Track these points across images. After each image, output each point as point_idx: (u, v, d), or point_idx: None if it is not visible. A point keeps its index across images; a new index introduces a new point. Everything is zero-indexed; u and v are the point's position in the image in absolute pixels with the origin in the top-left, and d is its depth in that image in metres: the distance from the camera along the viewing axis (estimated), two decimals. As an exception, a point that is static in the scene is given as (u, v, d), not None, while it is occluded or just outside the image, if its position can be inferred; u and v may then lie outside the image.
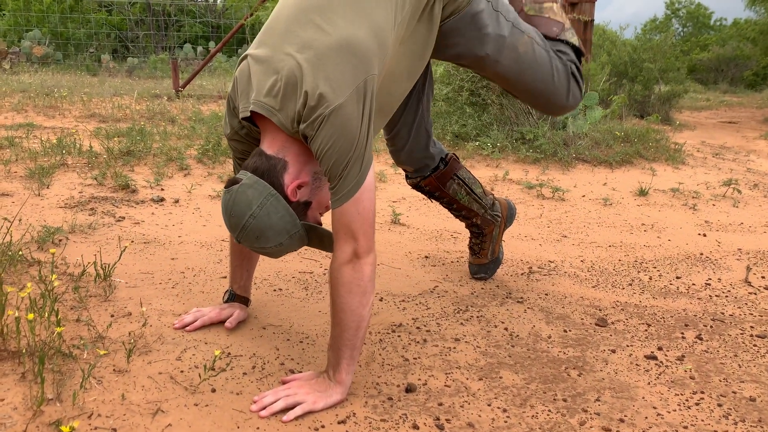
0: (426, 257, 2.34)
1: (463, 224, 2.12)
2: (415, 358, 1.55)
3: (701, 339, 1.75)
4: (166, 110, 5.66)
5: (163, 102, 6.37)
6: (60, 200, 2.68)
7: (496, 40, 1.54)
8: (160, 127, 4.59)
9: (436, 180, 1.92)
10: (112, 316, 1.62)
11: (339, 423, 1.25)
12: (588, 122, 4.79)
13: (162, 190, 3.01)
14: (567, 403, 1.38)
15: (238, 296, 1.68)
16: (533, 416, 1.32)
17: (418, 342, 1.64)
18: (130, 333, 1.53)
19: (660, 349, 1.67)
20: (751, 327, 1.84)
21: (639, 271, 2.32)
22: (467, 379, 1.46)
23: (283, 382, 1.36)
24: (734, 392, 1.46)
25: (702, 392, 1.45)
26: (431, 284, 2.07)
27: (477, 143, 4.41)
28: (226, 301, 1.68)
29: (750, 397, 1.44)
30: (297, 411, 1.26)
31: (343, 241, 1.29)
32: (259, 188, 1.27)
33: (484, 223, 2.04)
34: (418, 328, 1.73)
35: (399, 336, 1.67)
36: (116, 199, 2.78)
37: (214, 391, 1.32)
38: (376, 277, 2.06)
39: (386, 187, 3.38)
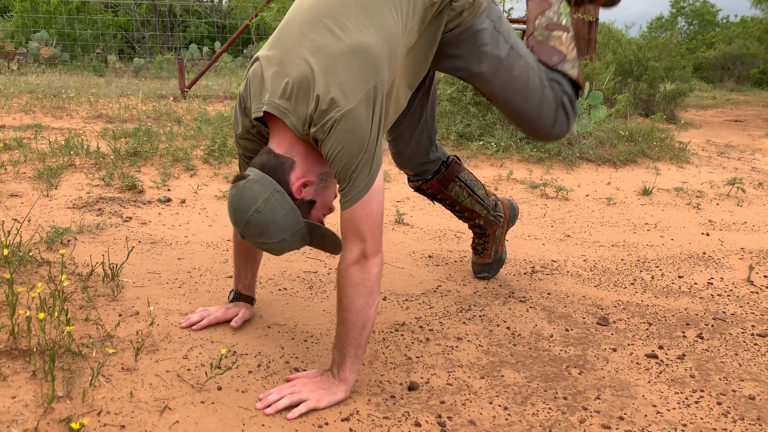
0: (429, 257, 2.36)
1: (466, 225, 2.14)
2: (417, 357, 1.57)
3: (702, 338, 1.76)
4: (172, 111, 5.69)
5: (169, 102, 6.41)
6: (68, 201, 2.71)
7: (493, 59, 1.56)
8: (167, 128, 4.63)
9: (438, 183, 1.94)
10: (120, 315, 1.65)
11: (342, 420, 1.28)
12: (592, 121, 4.79)
13: (168, 190, 3.05)
14: (567, 401, 1.39)
15: (243, 296, 1.70)
16: (534, 414, 1.34)
17: (420, 341, 1.66)
18: (137, 332, 1.56)
19: (661, 347, 1.69)
20: (753, 326, 1.86)
21: (641, 271, 2.33)
22: (469, 377, 1.48)
23: (288, 380, 1.39)
24: (734, 391, 1.47)
25: (702, 390, 1.47)
26: (434, 283, 2.09)
27: (481, 143, 4.43)
28: (231, 301, 1.71)
29: (749, 395, 1.45)
30: (301, 408, 1.28)
31: (351, 242, 1.31)
32: (265, 184, 1.29)
33: (487, 223, 2.06)
34: (421, 327, 1.75)
35: (402, 335, 1.69)
36: (123, 199, 2.81)
37: (220, 388, 1.35)
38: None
39: (390, 187, 3.41)
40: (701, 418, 1.35)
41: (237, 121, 1.47)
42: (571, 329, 1.79)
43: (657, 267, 2.38)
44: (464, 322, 1.79)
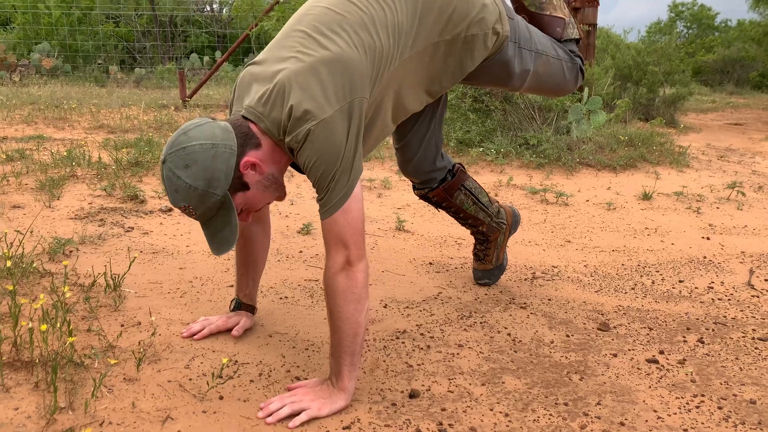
0: (430, 263, 2.36)
1: (468, 231, 2.15)
2: (418, 365, 1.57)
3: (703, 342, 1.76)
4: (173, 120, 5.72)
5: (171, 112, 6.44)
6: (70, 212, 2.73)
7: (520, 74, 1.67)
8: (168, 138, 4.65)
9: (444, 191, 1.95)
10: (122, 325, 1.66)
11: (344, 429, 1.28)
12: (592, 127, 4.80)
13: (170, 200, 3.06)
14: (568, 407, 1.40)
15: (244, 304, 1.71)
16: (534, 420, 1.34)
17: (421, 348, 1.66)
18: (139, 342, 1.57)
19: (661, 352, 1.69)
20: (753, 330, 1.86)
21: (642, 275, 2.34)
22: (470, 384, 1.49)
23: (289, 389, 1.39)
24: (735, 395, 1.47)
25: (702, 395, 1.47)
26: (435, 290, 2.09)
27: (481, 149, 4.44)
28: (232, 310, 1.71)
29: (750, 399, 1.45)
30: (302, 417, 1.29)
31: (334, 251, 1.32)
32: (227, 135, 1.28)
33: (490, 230, 2.07)
34: (422, 334, 1.75)
35: (403, 342, 1.69)
36: (125, 209, 2.82)
37: (221, 398, 1.36)
38: (381, 284, 2.09)
39: (391, 194, 3.42)
40: (702, 423, 1.35)
41: None
42: (572, 335, 1.79)
43: (657, 272, 2.39)
44: (465, 329, 1.80)
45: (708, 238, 2.87)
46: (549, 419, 1.35)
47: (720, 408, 1.41)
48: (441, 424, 1.31)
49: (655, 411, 1.39)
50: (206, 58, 15.14)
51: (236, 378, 1.44)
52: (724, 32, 30.41)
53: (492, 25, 1.53)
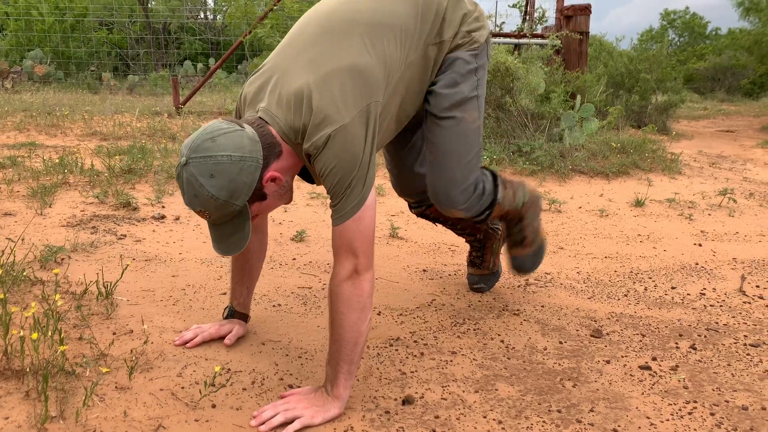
0: (424, 270, 2.36)
1: (461, 239, 2.15)
2: (412, 372, 1.57)
3: (695, 349, 1.77)
4: (166, 127, 5.71)
5: (164, 119, 6.43)
6: (62, 219, 2.71)
7: (467, 90, 1.61)
8: (161, 145, 4.64)
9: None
10: (114, 333, 1.65)
11: (337, 436, 1.28)
12: (584, 134, 4.83)
13: (163, 207, 3.05)
14: (561, 414, 1.40)
15: (237, 312, 1.71)
16: (528, 427, 1.34)
17: (415, 355, 1.66)
18: (131, 350, 1.56)
19: (654, 359, 1.70)
20: (745, 336, 1.87)
21: (634, 282, 2.35)
22: (463, 391, 1.49)
23: (282, 397, 1.39)
24: (727, 401, 1.48)
25: (695, 401, 1.47)
26: (429, 297, 2.09)
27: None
28: (225, 318, 1.71)
29: (742, 405, 1.46)
30: (296, 425, 1.28)
31: (344, 258, 1.32)
32: (255, 148, 1.27)
33: (486, 237, 2.07)
34: (415, 341, 1.75)
35: (396, 350, 1.69)
36: (117, 217, 2.81)
37: (214, 406, 1.35)
38: (375, 292, 2.09)
39: (385, 201, 3.42)
40: (695, 430, 1.35)
41: None
42: (565, 342, 1.79)
43: (650, 278, 2.40)
44: (459, 336, 1.80)
45: (700, 245, 2.88)
46: (542, 426, 1.35)
47: (712, 414, 1.42)
48: (434, 431, 1.31)
49: (647, 417, 1.40)
50: (200, 65, 15.14)
51: (229, 386, 1.43)
52: (715, 40, 30.71)
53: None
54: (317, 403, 1.33)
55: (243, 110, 1.43)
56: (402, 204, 3.31)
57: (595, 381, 1.56)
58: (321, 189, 3.42)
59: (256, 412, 1.32)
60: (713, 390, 1.53)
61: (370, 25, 1.39)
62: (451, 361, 1.64)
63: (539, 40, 6.04)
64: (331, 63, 1.32)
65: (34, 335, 1.34)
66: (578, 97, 5.08)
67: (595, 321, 1.96)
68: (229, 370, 1.52)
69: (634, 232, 3.06)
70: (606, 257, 2.65)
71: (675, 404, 1.46)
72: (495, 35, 5.93)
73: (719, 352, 1.75)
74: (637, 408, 1.43)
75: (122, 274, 2.00)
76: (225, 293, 2.01)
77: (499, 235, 2.10)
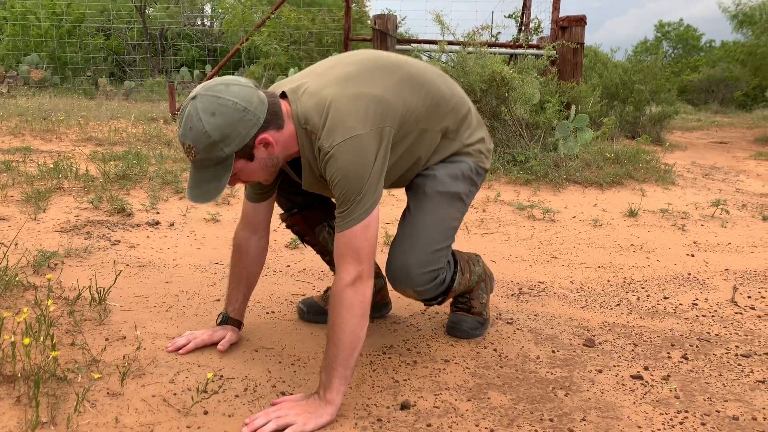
0: (417, 279, 2.37)
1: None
2: (405, 380, 1.57)
3: (687, 359, 1.78)
4: (162, 133, 5.71)
5: (160, 125, 6.43)
6: (56, 224, 2.71)
7: (450, 184, 1.62)
8: (157, 151, 4.64)
9: (304, 220, 1.81)
10: (107, 339, 1.64)
11: (329, 444, 1.28)
12: (579, 144, 4.86)
13: (157, 213, 3.05)
14: (553, 423, 1.40)
15: (231, 319, 1.70)
16: (520, 436, 1.34)
17: (408, 363, 1.66)
18: (124, 356, 1.55)
19: (646, 368, 1.70)
20: (736, 346, 1.88)
21: (627, 292, 2.36)
22: (456, 400, 1.49)
23: (274, 404, 1.39)
24: (718, 411, 1.48)
25: (686, 411, 1.48)
26: (422, 306, 2.09)
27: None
28: (219, 324, 1.71)
29: (733, 416, 1.46)
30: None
31: (348, 263, 1.34)
32: (261, 108, 1.32)
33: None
34: (408, 349, 1.75)
35: (389, 357, 1.69)
36: (112, 222, 2.81)
37: (206, 413, 1.35)
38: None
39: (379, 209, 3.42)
40: (686, 439, 1.36)
41: None
42: (558, 351, 1.80)
43: (643, 288, 2.41)
44: (451, 345, 1.80)
45: (692, 255, 2.90)
46: (534, 435, 1.35)
47: (703, 424, 1.42)
48: (426, 439, 1.31)
49: (639, 427, 1.40)
50: (196, 72, 15.15)
51: (221, 393, 1.43)
52: (709, 52, 30.96)
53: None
54: (309, 410, 1.33)
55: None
56: (395, 213, 3.32)
57: (587, 390, 1.57)
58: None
59: (248, 420, 1.32)
60: (704, 400, 1.54)
61: (412, 77, 1.49)
62: (444, 369, 1.65)
63: (535, 51, 6.09)
64: (363, 87, 1.39)
65: (26, 340, 1.34)
66: (573, 107, 5.11)
67: (587, 330, 1.96)
68: (221, 376, 1.51)
69: (628, 242, 3.07)
70: (599, 267, 2.66)
71: (666, 414, 1.46)
72: (491, 45, 5.96)
73: (711, 362, 1.76)
74: (628, 417, 1.44)
75: (115, 279, 2.00)
76: (219, 300, 2.01)
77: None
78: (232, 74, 15.01)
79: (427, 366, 1.65)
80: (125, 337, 1.67)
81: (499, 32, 7.29)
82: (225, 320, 1.70)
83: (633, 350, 1.82)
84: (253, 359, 1.62)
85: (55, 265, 2.18)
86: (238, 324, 1.72)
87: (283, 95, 1.43)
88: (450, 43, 5.45)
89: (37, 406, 1.22)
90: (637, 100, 8.42)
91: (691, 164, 6.01)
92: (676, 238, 3.21)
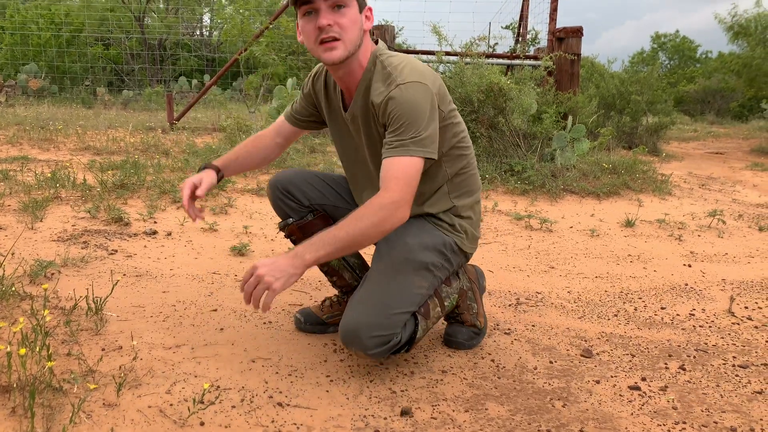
0: (415, 289, 2.36)
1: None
2: (402, 390, 1.57)
3: (684, 369, 1.78)
4: (160, 143, 5.72)
5: (158, 134, 6.44)
6: (53, 233, 2.70)
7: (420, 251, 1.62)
8: (154, 160, 4.64)
9: (300, 230, 1.81)
10: (103, 349, 1.64)
11: (326, 455, 1.27)
12: (576, 154, 4.87)
13: (155, 222, 3.04)
14: (551, 434, 1.40)
15: (211, 165, 1.71)
16: (518, 447, 1.34)
17: (405, 374, 1.66)
18: (120, 366, 1.55)
19: (644, 379, 1.70)
20: (734, 357, 1.88)
21: (624, 302, 2.36)
22: (453, 410, 1.48)
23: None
24: (715, 422, 1.48)
25: (684, 422, 1.47)
26: (420, 316, 2.09)
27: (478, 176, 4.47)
28: (198, 171, 1.71)
29: (731, 427, 1.46)
30: (267, 300, 1.36)
31: (395, 187, 1.43)
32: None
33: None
34: (406, 360, 1.75)
35: (387, 368, 1.69)
36: (109, 232, 2.80)
37: (202, 424, 1.34)
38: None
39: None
40: (683, 451, 1.35)
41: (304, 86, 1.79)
42: (555, 361, 1.80)
43: (640, 298, 2.41)
44: (449, 355, 1.80)
45: (689, 266, 2.90)
46: (532, 446, 1.34)
47: (701, 435, 1.42)
48: (424, 451, 1.31)
49: (637, 438, 1.40)
50: (195, 81, 15.19)
51: (218, 404, 1.42)
52: (705, 63, 31.15)
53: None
54: (278, 267, 1.38)
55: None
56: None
57: (585, 401, 1.56)
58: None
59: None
60: (702, 411, 1.53)
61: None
62: (442, 380, 1.64)
63: (532, 62, 6.12)
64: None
65: (22, 351, 1.33)
66: (570, 117, 5.13)
67: (585, 341, 1.96)
68: (218, 387, 1.51)
69: (625, 252, 3.08)
70: (596, 277, 2.67)
71: (664, 425, 1.46)
72: (488, 56, 6.00)
73: (708, 373, 1.76)
74: (626, 428, 1.43)
75: (112, 289, 1.99)
76: (216, 309, 2.00)
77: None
78: (231, 84, 15.04)
79: (424, 377, 1.65)
80: (121, 347, 1.66)
81: (497, 43, 7.33)
82: (204, 167, 1.71)
83: (630, 361, 1.82)
84: (250, 369, 1.62)
85: (52, 274, 2.18)
86: (216, 169, 1.71)
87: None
88: (447, 53, 5.48)
89: (32, 417, 1.21)
90: (634, 111, 8.47)
91: (687, 174, 6.03)
92: (673, 248, 3.22)
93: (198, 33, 20.28)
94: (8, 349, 1.38)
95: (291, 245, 2.68)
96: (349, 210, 1.77)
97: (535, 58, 6.22)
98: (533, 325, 2.07)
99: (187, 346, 1.72)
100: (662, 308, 2.30)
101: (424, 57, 5.87)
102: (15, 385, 1.34)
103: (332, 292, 2.19)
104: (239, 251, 2.66)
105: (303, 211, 1.81)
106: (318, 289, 2.28)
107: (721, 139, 11.93)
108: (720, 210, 3.99)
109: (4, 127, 6.29)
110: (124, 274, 2.26)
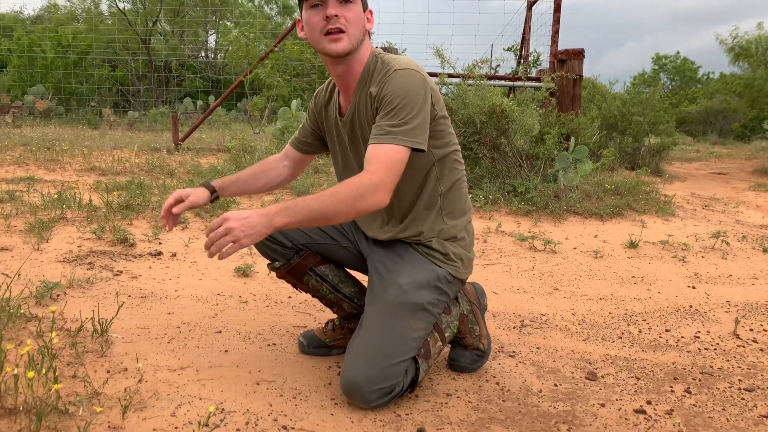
0: (419, 311, 2.36)
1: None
2: (407, 414, 1.56)
3: (690, 392, 1.77)
4: (165, 163, 5.76)
5: (163, 155, 6.49)
6: (59, 254, 2.72)
7: (416, 289, 1.60)
8: (159, 181, 4.67)
9: (289, 272, 1.79)
10: (108, 371, 1.64)
11: (331, 480, 1.27)
12: (579, 175, 4.89)
13: (160, 243, 3.06)
14: (557, 459, 1.39)
15: (207, 184, 1.69)
16: (523, 472, 1.33)
17: (410, 397, 1.66)
18: (125, 389, 1.55)
19: (649, 402, 1.69)
20: (740, 380, 1.87)
21: (629, 324, 2.35)
22: (458, 434, 1.48)
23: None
24: (722, 447, 1.47)
25: (690, 447, 1.47)
26: (424, 338, 2.09)
27: (470, 195, 4.49)
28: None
29: (738, 451, 1.45)
30: (230, 251, 1.35)
31: (377, 170, 1.43)
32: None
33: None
34: (410, 382, 1.74)
35: (391, 391, 1.68)
36: (114, 253, 2.82)
37: (207, 447, 1.34)
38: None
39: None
40: (690, 476, 1.35)
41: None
42: (560, 384, 1.79)
43: (644, 320, 2.40)
44: (453, 378, 1.79)
45: (694, 287, 2.90)
46: (537, 471, 1.34)
47: (708, 460, 1.41)
48: (429, 475, 1.30)
49: (643, 463, 1.39)
50: (200, 102, 15.32)
51: (223, 426, 1.42)
52: (706, 84, 31.33)
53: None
54: (247, 223, 1.36)
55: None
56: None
57: (590, 425, 1.56)
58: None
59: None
60: (708, 435, 1.53)
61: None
62: (446, 403, 1.64)
63: (534, 83, 6.17)
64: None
65: (30, 374, 1.34)
66: (572, 138, 5.16)
67: (590, 363, 1.96)
68: (223, 410, 1.51)
69: (629, 274, 3.08)
70: (601, 299, 2.66)
71: (670, 449, 1.45)
72: (490, 77, 6.05)
73: (714, 397, 1.75)
74: (632, 453, 1.43)
75: (118, 311, 2.00)
76: (220, 331, 2.01)
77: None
78: (235, 105, 15.17)
79: (429, 400, 1.65)
80: (127, 369, 1.66)
81: (499, 65, 7.40)
82: (201, 184, 1.70)
83: (636, 384, 1.82)
84: (255, 392, 1.62)
85: (58, 295, 2.19)
86: (211, 189, 1.69)
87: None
88: (450, 75, 5.54)
89: (38, 440, 1.22)
90: (636, 132, 8.50)
91: (690, 195, 6.04)
92: (677, 269, 3.22)
93: (203, 55, 20.51)
94: (15, 371, 1.39)
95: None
96: (335, 246, 1.80)
97: (537, 80, 6.28)
98: (538, 348, 2.06)
99: (191, 367, 1.73)
100: (667, 330, 2.30)
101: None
102: (21, 408, 1.35)
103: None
104: (243, 272, 2.67)
105: (288, 254, 1.76)
106: (322, 310, 2.29)
107: (724, 160, 11.95)
108: (724, 231, 3.99)
109: (10, 148, 6.35)
110: (129, 296, 2.27)
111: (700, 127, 20.59)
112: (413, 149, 1.49)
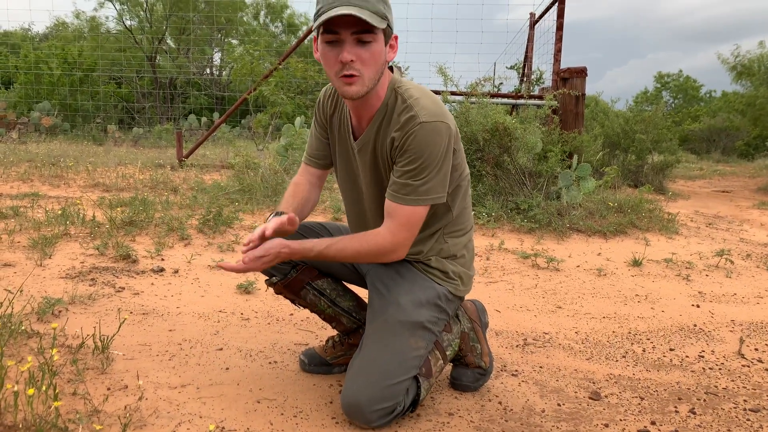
0: (421, 329, 2.35)
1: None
2: (408, 433, 1.55)
3: (694, 413, 1.75)
4: (169, 180, 5.78)
5: (167, 171, 6.51)
6: (61, 270, 2.72)
7: (423, 308, 1.62)
8: (163, 197, 4.69)
9: (286, 288, 1.78)
10: (109, 389, 1.63)
11: (331, 500, 1.25)
12: (582, 193, 4.89)
13: (162, 260, 3.06)
14: (560, 480, 1.37)
15: (281, 212, 1.62)
16: (526, 493, 1.32)
17: (412, 417, 1.64)
18: (125, 407, 1.54)
19: (653, 423, 1.68)
20: (745, 401, 1.85)
21: (633, 343, 2.33)
22: (460, 454, 1.46)
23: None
24: (728, 469, 1.45)
25: (695, 469, 1.45)
26: (426, 356, 2.08)
27: (473, 213, 4.49)
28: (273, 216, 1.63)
29: (744, 473, 1.43)
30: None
31: (398, 230, 1.51)
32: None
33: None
34: (412, 401, 1.73)
35: (393, 410, 1.67)
36: (117, 269, 2.82)
37: (207, 467, 1.33)
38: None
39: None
40: (695, 498, 1.33)
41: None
42: (563, 404, 1.78)
43: (648, 339, 2.39)
44: (456, 397, 1.78)
45: (698, 306, 2.88)
46: (540, 492, 1.32)
47: (713, 482, 1.39)
48: (430, 496, 1.29)
49: (647, 485, 1.37)
50: (204, 119, 15.42)
51: (222, 445, 1.41)
52: (708, 102, 31.42)
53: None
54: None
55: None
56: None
57: (594, 445, 1.54)
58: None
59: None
60: (714, 457, 1.51)
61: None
62: (448, 422, 1.62)
63: (536, 101, 6.20)
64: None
65: (30, 391, 1.33)
66: (575, 156, 5.17)
67: (593, 383, 1.94)
68: (223, 428, 1.50)
69: (632, 292, 3.06)
70: (604, 317, 2.65)
71: (675, 471, 1.43)
72: (493, 95, 6.09)
73: (719, 417, 1.73)
74: (636, 474, 1.41)
75: (119, 328, 2.00)
76: (222, 349, 2.00)
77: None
78: (239, 122, 15.27)
79: (431, 419, 1.63)
80: (127, 387, 1.66)
81: (501, 83, 7.44)
82: (277, 214, 1.62)
83: (639, 404, 1.80)
84: (255, 410, 1.61)
85: (60, 312, 2.19)
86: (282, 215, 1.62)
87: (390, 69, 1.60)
88: (453, 93, 5.57)
89: (36, 458, 1.21)
90: (639, 149, 8.51)
91: (694, 213, 6.03)
92: (680, 288, 3.20)
93: (208, 72, 20.69)
94: (15, 388, 1.38)
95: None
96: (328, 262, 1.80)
97: (540, 97, 6.30)
98: (541, 367, 2.05)
99: (192, 385, 1.72)
100: (671, 350, 2.28)
101: (431, 97, 5.95)
102: (21, 425, 1.34)
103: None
104: (245, 289, 2.66)
105: (285, 268, 1.74)
106: (324, 328, 2.28)
107: (728, 178, 11.94)
108: (728, 249, 3.97)
109: (16, 164, 6.39)
110: (131, 312, 2.27)
111: (704, 145, 20.62)
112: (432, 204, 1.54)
